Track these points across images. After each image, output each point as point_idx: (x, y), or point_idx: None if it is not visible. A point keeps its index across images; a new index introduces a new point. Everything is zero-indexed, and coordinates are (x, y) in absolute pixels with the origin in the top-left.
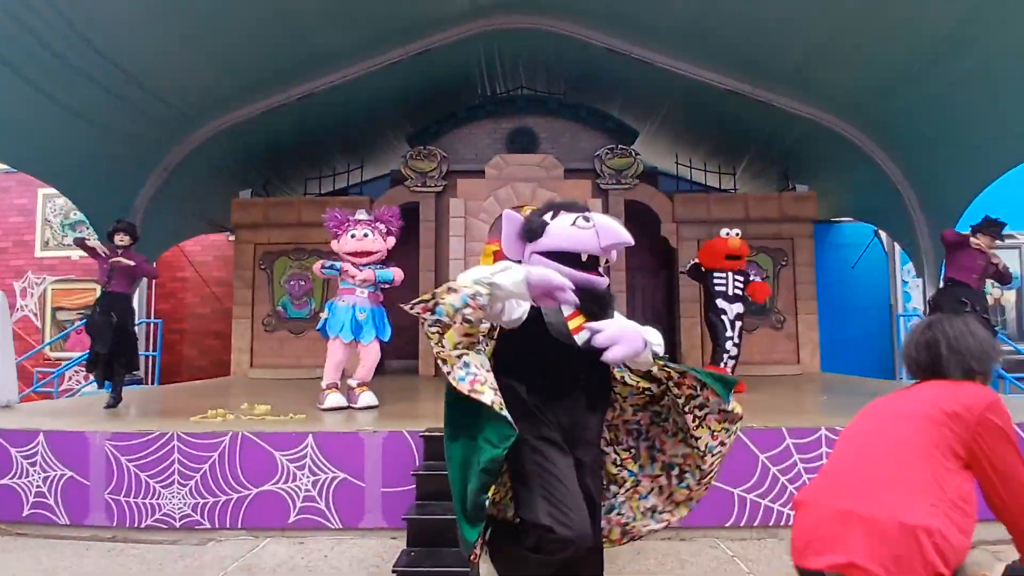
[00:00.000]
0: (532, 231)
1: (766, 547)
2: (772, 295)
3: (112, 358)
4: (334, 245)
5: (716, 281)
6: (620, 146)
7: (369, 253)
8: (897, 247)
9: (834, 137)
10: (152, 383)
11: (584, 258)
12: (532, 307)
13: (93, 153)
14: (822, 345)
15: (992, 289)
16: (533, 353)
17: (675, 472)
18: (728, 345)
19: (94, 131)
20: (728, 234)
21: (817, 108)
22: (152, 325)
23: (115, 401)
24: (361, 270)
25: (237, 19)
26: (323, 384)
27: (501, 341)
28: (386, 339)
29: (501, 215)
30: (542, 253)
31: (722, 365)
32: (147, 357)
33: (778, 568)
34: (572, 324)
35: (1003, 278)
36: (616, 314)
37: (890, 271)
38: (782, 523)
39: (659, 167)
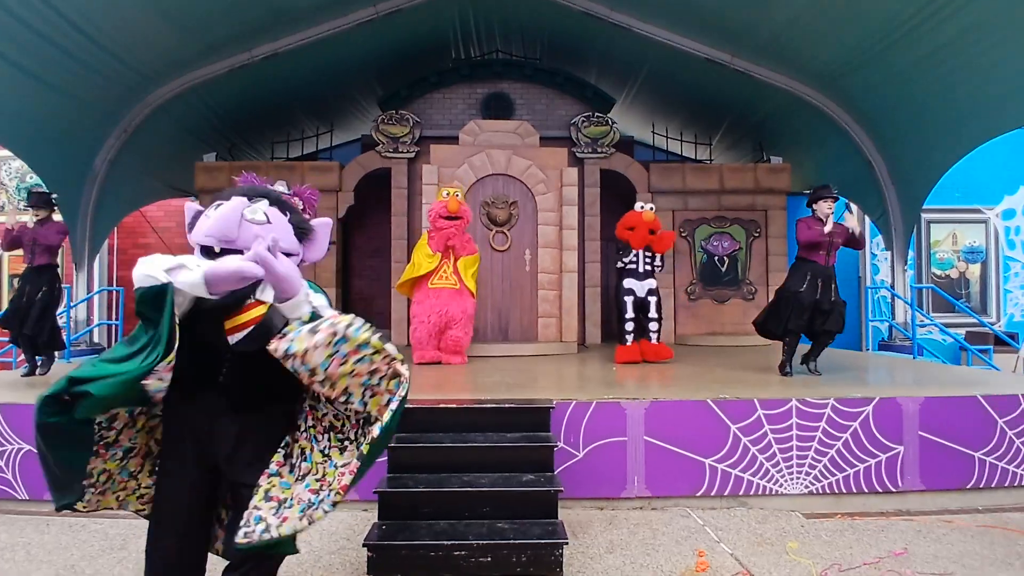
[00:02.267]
0: (191, 223)
1: (735, 516)
2: (745, 266)
3: (34, 338)
4: None
5: (627, 261)
6: (597, 114)
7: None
8: (867, 220)
9: (809, 109)
10: None
11: (217, 249)
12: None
13: (48, 114)
14: None
15: (958, 263)
16: (187, 354)
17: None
18: (628, 326)
19: (49, 92)
20: (643, 208)
21: (793, 79)
22: (113, 293)
23: (32, 371)
24: None
25: None
26: None
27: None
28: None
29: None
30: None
31: (626, 344)
32: (110, 326)
33: (747, 536)
34: (234, 320)
35: (857, 243)
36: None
37: None
38: (752, 492)
39: (635, 136)
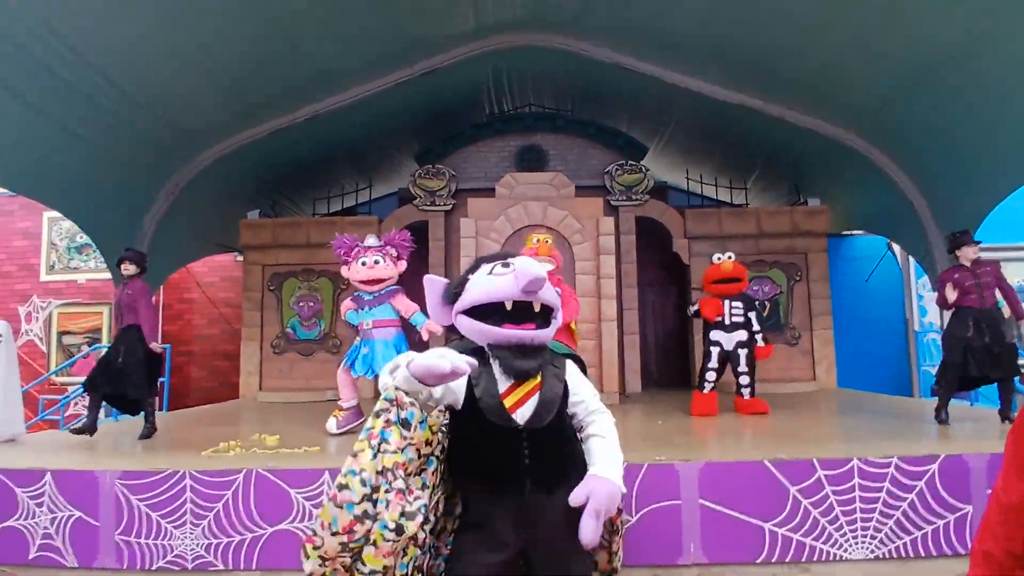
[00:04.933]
0: (453, 292)
1: None
2: (787, 311)
3: (139, 400)
4: (344, 271)
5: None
6: (630, 162)
7: (380, 280)
8: (912, 260)
9: (844, 149)
10: (161, 409)
11: (509, 307)
12: (470, 383)
13: (98, 176)
14: (837, 360)
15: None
16: (475, 443)
17: None
18: (709, 376)
19: (98, 154)
20: (720, 258)
21: (827, 120)
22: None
23: (90, 429)
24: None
25: (242, 42)
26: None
27: (454, 434)
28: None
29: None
30: (465, 312)
31: (704, 391)
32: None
33: None
34: (511, 398)
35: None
36: (569, 366)
37: (905, 285)
38: (814, 558)
39: (669, 182)
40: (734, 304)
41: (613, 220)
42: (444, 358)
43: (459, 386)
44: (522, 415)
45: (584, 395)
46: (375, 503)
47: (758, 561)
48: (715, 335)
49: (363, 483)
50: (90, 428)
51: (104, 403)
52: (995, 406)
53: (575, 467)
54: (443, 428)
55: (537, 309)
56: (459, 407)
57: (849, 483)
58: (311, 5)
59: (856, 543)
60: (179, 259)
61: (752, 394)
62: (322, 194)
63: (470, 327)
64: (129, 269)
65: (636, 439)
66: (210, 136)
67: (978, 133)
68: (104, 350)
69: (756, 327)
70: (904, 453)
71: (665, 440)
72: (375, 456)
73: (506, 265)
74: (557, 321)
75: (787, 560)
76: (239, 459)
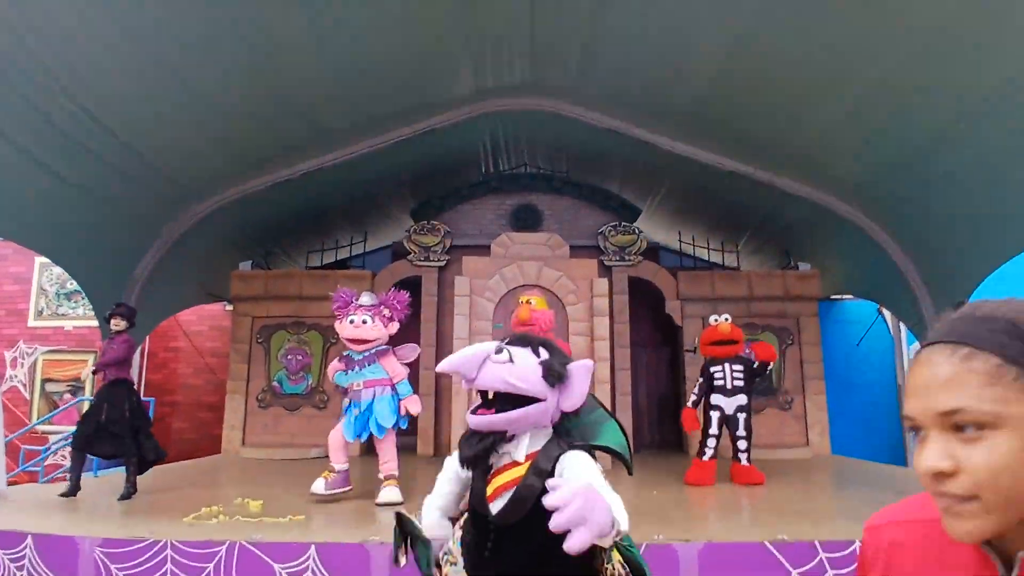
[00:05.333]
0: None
1: None
2: (779, 375)
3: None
4: (336, 326)
5: (714, 375)
6: (623, 223)
7: (366, 341)
8: (903, 326)
9: (835, 217)
10: None
11: (490, 395)
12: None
13: (91, 225)
14: (831, 426)
15: None
16: (465, 523)
17: None
18: (710, 442)
19: (93, 203)
20: (716, 320)
21: (818, 189)
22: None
23: (128, 492)
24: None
25: (244, 100)
26: None
27: None
28: (391, 427)
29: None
30: None
31: (704, 459)
32: None
33: None
34: (493, 484)
35: None
36: (571, 458)
37: (896, 350)
38: None
39: (661, 242)
40: (735, 367)
41: (607, 281)
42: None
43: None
44: (495, 506)
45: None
46: None
47: None
48: (716, 399)
49: None
50: (73, 491)
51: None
52: None
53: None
54: None
55: (491, 396)
56: None
57: (852, 567)
58: (316, 73)
59: None
60: (169, 308)
61: (749, 459)
62: (316, 246)
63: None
64: (119, 324)
65: (631, 513)
66: (207, 188)
67: (968, 207)
68: (87, 404)
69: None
70: None
71: (661, 515)
72: None
73: (499, 352)
74: (542, 406)
75: None
76: (222, 528)
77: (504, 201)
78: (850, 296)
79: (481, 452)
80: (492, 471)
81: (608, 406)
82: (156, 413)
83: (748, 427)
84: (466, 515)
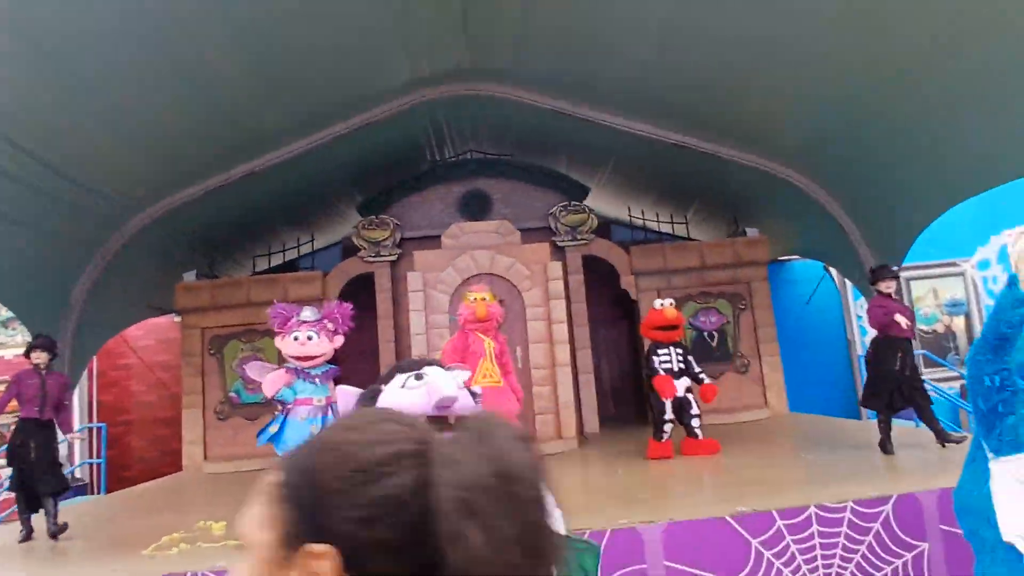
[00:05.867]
0: (365, 405)
1: None
2: (735, 340)
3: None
4: (276, 342)
5: (660, 358)
6: (573, 203)
7: (312, 357)
8: (848, 283)
9: (779, 181)
10: (98, 491)
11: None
12: None
13: (20, 251)
14: (787, 385)
15: (942, 317)
16: None
17: None
18: (667, 427)
19: (19, 229)
20: (661, 305)
21: (762, 156)
22: (95, 430)
23: (29, 535)
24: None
25: (170, 107)
26: None
27: None
28: None
29: None
30: None
31: (662, 440)
32: (92, 465)
33: None
34: None
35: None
36: None
37: (844, 307)
38: None
39: (612, 217)
40: (677, 352)
41: (561, 265)
42: None
43: None
44: None
45: None
46: None
47: None
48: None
49: None
50: (29, 535)
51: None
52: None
53: None
54: None
55: (452, 422)
56: None
57: (808, 531)
58: (240, 72)
59: None
60: (113, 327)
61: (701, 435)
62: (262, 250)
63: None
64: (40, 357)
65: (598, 495)
66: (140, 202)
67: (903, 165)
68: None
69: (697, 369)
70: (858, 495)
71: (627, 495)
72: None
73: (419, 378)
74: None
75: None
76: (183, 558)
77: (452, 189)
78: (797, 257)
79: None
80: None
81: (571, 390)
82: (111, 434)
83: (698, 404)
84: None
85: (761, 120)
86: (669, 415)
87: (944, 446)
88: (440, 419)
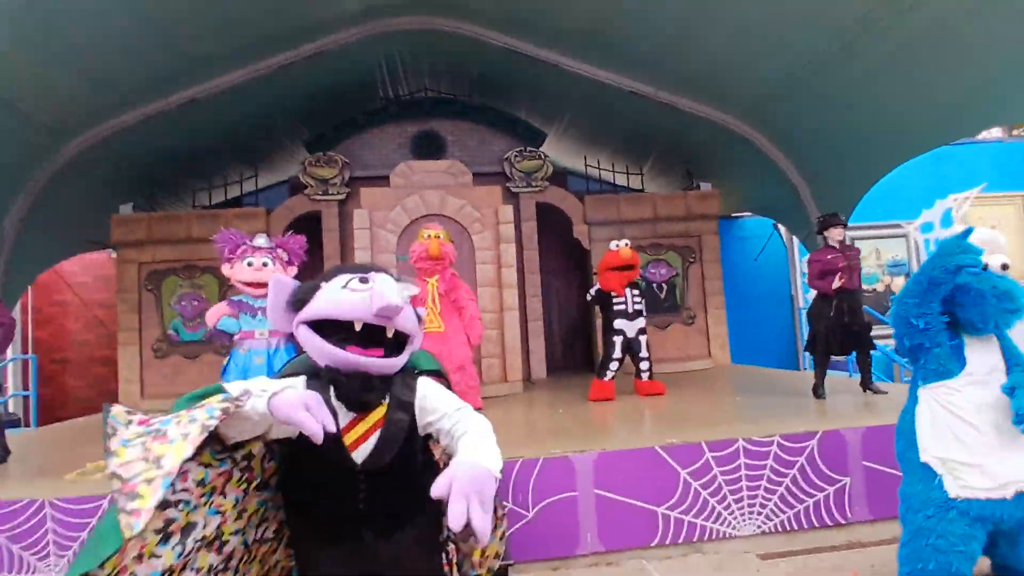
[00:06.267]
0: (299, 299)
1: (691, 564)
2: (683, 292)
3: None
4: (225, 270)
5: (615, 301)
6: (529, 148)
7: (264, 285)
8: (795, 240)
9: (734, 137)
10: (30, 425)
11: (358, 327)
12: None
13: None
14: (731, 338)
15: (883, 276)
16: (307, 482)
17: None
18: (613, 365)
19: None
20: (617, 245)
21: (717, 109)
22: (24, 362)
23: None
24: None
25: (103, 28)
26: None
27: (285, 469)
28: None
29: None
30: (307, 323)
31: (605, 379)
32: (25, 397)
33: None
34: (352, 434)
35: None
36: (421, 386)
37: (790, 264)
38: (706, 538)
39: (568, 167)
40: (634, 292)
41: (512, 208)
42: (310, 413)
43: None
44: (361, 453)
45: (442, 407)
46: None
47: (653, 545)
48: (619, 324)
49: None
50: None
51: None
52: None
53: (422, 510)
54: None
55: (390, 335)
56: (293, 437)
57: (735, 463)
58: None
59: (744, 520)
60: (47, 260)
61: (651, 376)
62: (203, 185)
63: (309, 341)
64: None
65: (536, 431)
66: (73, 128)
67: (852, 124)
68: None
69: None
70: (785, 431)
71: (564, 431)
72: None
73: (364, 281)
74: (413, 347)
75: (680, 541)
76: (108, 484)
77: (405, 129)
78: (748, 213)
79: (368, 398)
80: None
81: (518, 334)
82: (46, 371)
83: (648, 348)
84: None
85: (715, 71)
86: (618, 353)
87: (865, 392)
88: (378, 329)
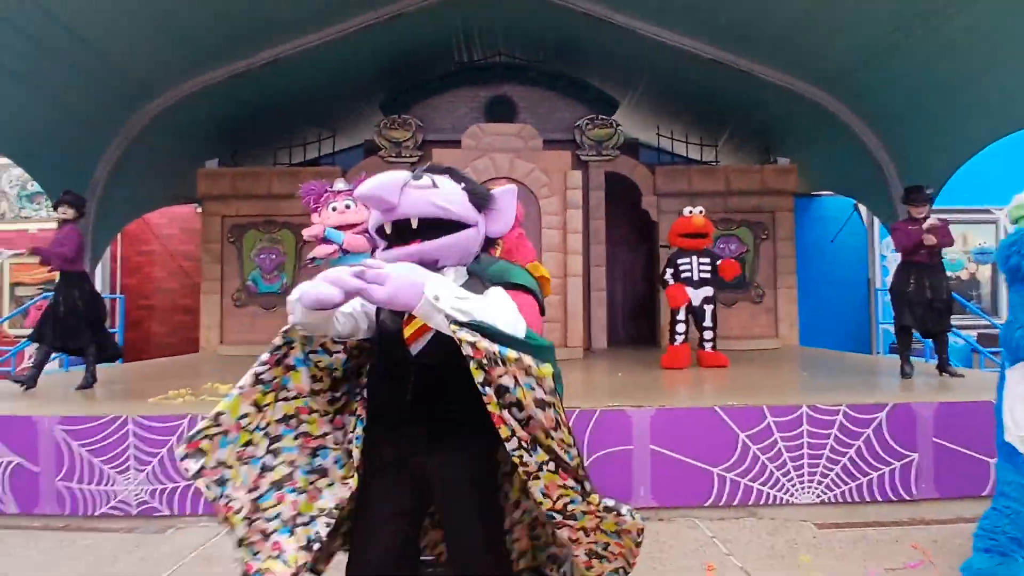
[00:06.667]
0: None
1: (745, 527)
2: (753, 269)
3: (66, 345)
4: (314, 219)
5: (681, 267)
6: (600, 117)
7: (353, 226)
8: (876, 221)
9: (815, 109)
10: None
11: (388, 230)
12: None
13: (48, 124)
14: (801, 319)
15: (968, 264)
16: (374, 376)
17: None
18: (679, 328)
19: (48, 102)
20: (691, 212)
21: (799, 79)
22: (113, 301)
23: (88, 382)
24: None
25: None
26: None
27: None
28: None
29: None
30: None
31: (676, 344)
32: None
33: (757, 549)
34: (412, 326)
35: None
36: (492, 293)
37: (869, 245)
38: (762, 502)
39: (640, 139)
40: (702, 260)
41: (581, 174)
42: (331, 282)
43: (362, 314)
44: (417, 346)
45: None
46: (276, 453)
47: (706, 504)
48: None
49: (265, 435)
50: (29, 380)
51: (55, 354)
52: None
53: (469, 420)
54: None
55: (415, 225)
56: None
57: (798, 429)
58: None
59: (803, 488)
60: (135, 210)
61: (715, 348)
62: (283, 144)
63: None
64: (68, 213)
65: (594, 389)
66: (163, 83)
67: (944, 97)
68: (48, 299)
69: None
70: (853, 401)
71: (622, 392)
72: (276, 403)
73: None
74: (469, 233)
75: (735, 504)
76: (187, 406)
77: (478, 93)
78: (829, 193)
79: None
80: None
81: (581, 300)
82: (132, 317)
83: (714, 318)
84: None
85: (800, 37)
86: (682, 316)
87: (941, 375)
88: (406, 222)
